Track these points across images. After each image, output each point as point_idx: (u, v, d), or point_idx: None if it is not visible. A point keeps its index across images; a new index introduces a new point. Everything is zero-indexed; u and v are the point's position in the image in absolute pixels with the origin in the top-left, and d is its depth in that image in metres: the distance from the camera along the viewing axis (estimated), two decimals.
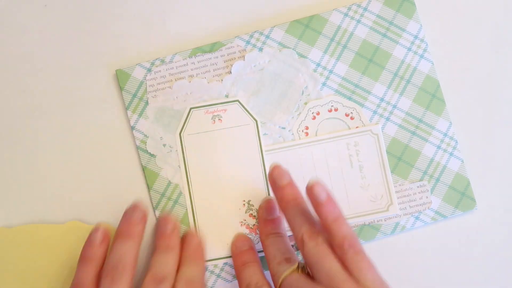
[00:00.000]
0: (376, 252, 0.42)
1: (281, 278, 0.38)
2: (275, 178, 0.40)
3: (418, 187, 0.44)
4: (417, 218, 0.44)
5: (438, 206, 0.44)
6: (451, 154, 0.44)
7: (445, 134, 0.44)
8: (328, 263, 0.36)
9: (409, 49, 0.45)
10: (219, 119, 0.44)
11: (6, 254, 0.43)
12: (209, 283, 0.44)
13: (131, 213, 0.41)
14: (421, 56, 0.45)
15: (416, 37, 0.45)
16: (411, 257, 0.44)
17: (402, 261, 0.44)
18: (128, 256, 0.39)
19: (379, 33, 0.45)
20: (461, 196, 0.44)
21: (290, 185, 0.40)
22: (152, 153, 0.44)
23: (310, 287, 0.36)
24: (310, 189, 0.38)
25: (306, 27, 0.45)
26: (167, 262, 0.40)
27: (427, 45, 0.45)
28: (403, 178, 0.44)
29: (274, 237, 0.41)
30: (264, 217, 0.42)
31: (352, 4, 0.45)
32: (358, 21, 0.45)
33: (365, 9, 0.45)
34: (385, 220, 0.44)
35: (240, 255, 0.42)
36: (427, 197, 0.44)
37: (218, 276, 0.44)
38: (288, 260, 0.39)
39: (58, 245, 0.43)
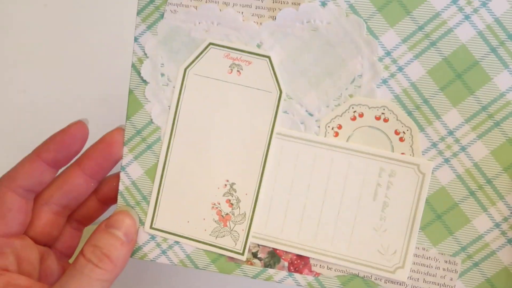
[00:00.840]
0: None
1: None
2: None
3: (446, 262, 0.40)
4: None
5: None
6: (510, 241, 0.38)
7: None
8: None
9: None
10: (238, 71, 0.42)
11: None
12: (151, 255, 0.44)
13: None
14: None
15: None
16: None
17: None
18: None
19: (489, 44, 0.38)
20: None
21: None
22: (145, 78, 0.42)
23: None
24: None
25: None
26: None
27: None
28: (432, 242, 0.39)
29: None
30: None
31: None
32: (467, 17, 0.39)
33: (485, 4, 0.38)
34: (385, 282, 0.40)
35: None
36: (451, 279, 0.40)
37: (164, 252, 0.43)
38: None
39: None
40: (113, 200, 0.44)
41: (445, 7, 0.38)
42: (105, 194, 0.45)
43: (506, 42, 0.37)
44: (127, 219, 0.41)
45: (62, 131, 0.42)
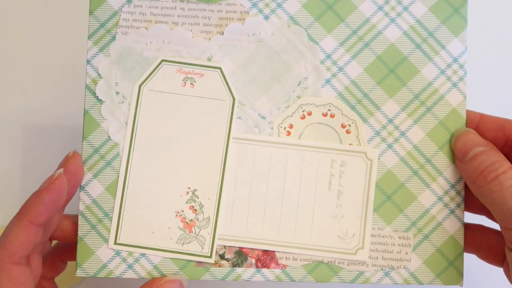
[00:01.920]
0: None
1: None
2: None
3: (400, 238, 0.43)
4: (387, 274, 0.43)
5: (416, 268, 0.43)
6: (452, 211, 0.43)
7: (453, 186, 0.43)
8: None
9: (443, 71, 0.44)
10: (192, 84, 0.45)
11: None
12: (117, 271, 0.43)
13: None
14: (454, 85, 0.44)
15: (455, 60, 0.44)
16: None
17: None
18: None
19: (413, 41, 0.44)
20: (447, 265, 0.43)
21: None
22: (100, 97, 0.43)
23: None
24: None
25: (329, 8, 0.45)
26: None
27: (465, 73, 0.44)
28: (385, 222, 0.43)
29: None
30: None
31: None
32: (393, 20, 0.45)
33: (406, 8, 0.45)
34: (348, 265, 0.43)
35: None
36: (406, 253, 0.43)
37: (130, 266, 0.43)
38: None
39: None
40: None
41: (373, 13, 0.44)
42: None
43: (427, 39, 0.44)
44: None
45: (48, 190, 0.40)
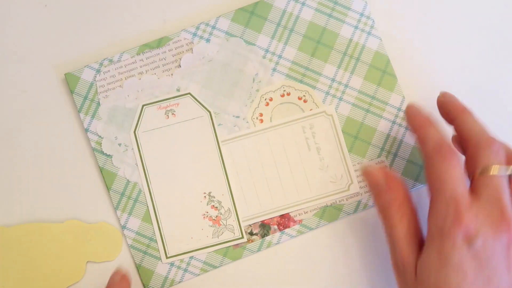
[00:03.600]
0: (342, 230, 0.54)
1: (493, 166, 0.45)
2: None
3: (376, 163, 0.54)
4: None
5: None
6: (407, 128, 0.54)
7: (399, 109, 0.53)
8: None
9: (356, 27, 0.54)
10: (173, 114, 0.55)
11: (5, 253, 0.53)
12: (177, 278, 0.54)
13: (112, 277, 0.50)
14: (369, 33, 0.55)
15: (362, 14, 0.55)
16: (377, 231, 0.54)
17: (369, 235, 0.55)
18: None
19: (325, 14, 0.54)
20: (419, 171, 0.55)
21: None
22: (108, 153, 0.53)
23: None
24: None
25: (252, 14, 0.55)
26: None
27: (373, 21, 0.54)
28: (361, 156, 0.54)
29: (469, 115, 0.48)
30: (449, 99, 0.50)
31: None
32: (303, 4, 0.55)
33: None
34: (346, 200, 0.54)
35: (421, 114, 0.48)
36: None
37: (185, 270, 0.53)
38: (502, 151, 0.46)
39: (57, 244, 0.53)
40: None
41: (286, 4, 0.54)
42: None
43: (335, 7, 0.54)
44: None
45: None
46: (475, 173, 0.45)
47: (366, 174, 0.49)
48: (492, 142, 0.46)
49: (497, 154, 0.45)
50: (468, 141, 0.47)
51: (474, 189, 0.45)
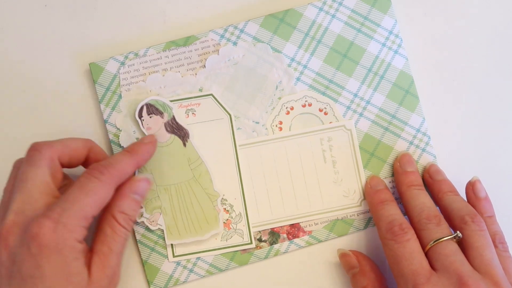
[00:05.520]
0: (351, 245, 0.54)
1: (435, 239, 0.47)
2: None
3: (390, 182, 0.55)
4: None
5: None
6: (423, 150, 0.54)
7: (418, 130, 0.54)
8: (490, 252, 0.47)
9: (384, 44, 0.55)
10: (193, 113, 0.55)
11: None
12: (182, 278, 0.54)
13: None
14: (396, 52, 0.55)
15: (390, 32, 0.55)
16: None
17: (378, 253, 0.55)
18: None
19: (354, 28, 0.55)
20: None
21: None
22: (125, 146, 0.54)
23: (468, 270, 0.45)
24: (473, 184, 0.53)
25: (281, 22, 0.55)
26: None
27: (401, 40, 0.55)
28: (375, 173, 0.54)
29: (418, 190, 0.51)
30: (404, 169, 0.53)
31: None
32: (333, 16, 0.55)
33: (340, 3, 0.55)
34: (357, 215, 0.55)
35: (376, 193, 0.52)
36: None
37: (191, 271, 0.54)
38: (439, 221, 0.48)
39: None
40: None
41: (316, 14, 0.54)
42: None
43: (364, 23, 0.54)
44: (146, 184, 0.50)
45: (153, 144, 0.52)
46: (426, 247, 0.48)
47: (341, 256, 0.53)
48: (428, 217, 0.49)
49: (439, 226, 0.48)
50: (412, 218, 0.50)
51: (430, 260, 0.47)
